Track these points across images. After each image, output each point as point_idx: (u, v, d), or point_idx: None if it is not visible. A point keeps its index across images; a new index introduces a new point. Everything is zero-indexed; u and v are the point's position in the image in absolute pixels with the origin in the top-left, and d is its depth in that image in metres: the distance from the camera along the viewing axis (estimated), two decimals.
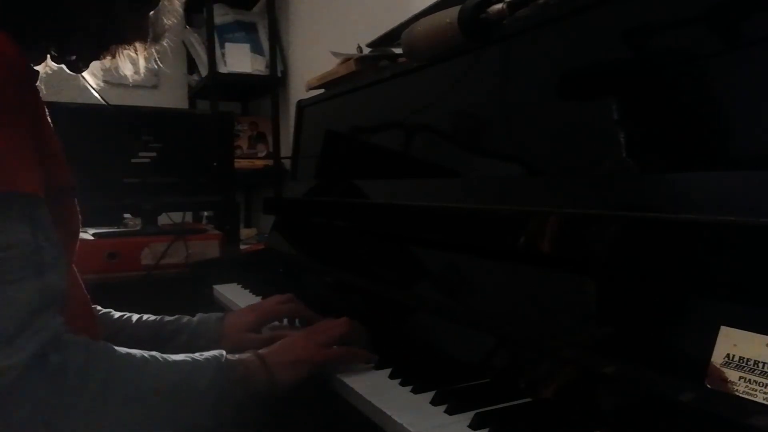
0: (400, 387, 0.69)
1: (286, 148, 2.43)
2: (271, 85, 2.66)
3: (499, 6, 0.73)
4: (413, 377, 0.69)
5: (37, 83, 0.71)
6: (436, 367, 0.74)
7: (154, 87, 3.05)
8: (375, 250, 1.10)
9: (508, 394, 0.64)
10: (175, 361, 0.67)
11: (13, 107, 0.59)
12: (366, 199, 1.18)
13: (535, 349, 0.68)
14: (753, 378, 0.46)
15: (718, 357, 0.49)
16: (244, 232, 2.46)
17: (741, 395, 0.47)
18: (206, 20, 2.57)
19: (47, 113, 0.69)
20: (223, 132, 1.96)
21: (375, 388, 0.69)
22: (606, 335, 0.61)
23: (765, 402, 0.45)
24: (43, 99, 0.69)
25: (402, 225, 1.00)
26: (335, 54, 1.51)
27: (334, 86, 1.54)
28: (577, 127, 0.76)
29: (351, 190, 1.24)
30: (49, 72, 0.77)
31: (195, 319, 0.94)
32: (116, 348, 0.64)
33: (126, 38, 0.78)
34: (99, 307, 0.92)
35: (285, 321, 0.99)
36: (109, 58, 0.79)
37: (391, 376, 0.72)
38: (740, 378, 0.47)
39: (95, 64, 0.81)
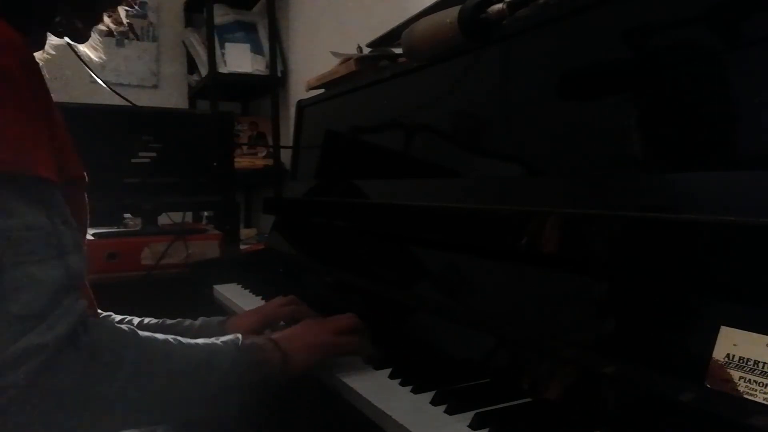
0: (400, 387, 0.69)
1: (286, 149, 2.43)
2: (271, 85, 2.67)
3: (499, 6, 0.73)
4: (413, 377, 0.69)
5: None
6: (436, 367, 0.74)
7: (154, 87, 3.05)
8: (375, 250, 1.10)
9: (508, 394, 0.64)
10: (196, 344, 0.68)
11: (26, 94, 0.59)
12: (366, 199, 1.18)
13: (535, 349, 0.68)
14: (753, 378, 0.46)
15: (718, 357, 0.49)
16: (244, 232, 2.46)
17: (741, 395, 0.47)
18: (206, 20, 2.57)
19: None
20: (223, 132, 1.96)
21: (375, 388, 0.69)
22: (606, 335, 0.61)
23: (765, 402, 0.45)
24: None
25: (402, 225, 1.00)
26: (335, 54, 1.51)
27: (334, 86, 1.54)
28: (577, 127, 0.76)
29: (351, 190, 1.24)
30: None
31: (197, 322, 0.94)
32: (139, 331, 0.65)
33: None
34: (99, 311, 0.91)
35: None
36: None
37: (391, 376, 0.72)
38: (740, 378, 0.47)
39: (95, 38, 0.81)
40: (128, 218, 2.00)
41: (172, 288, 1.60)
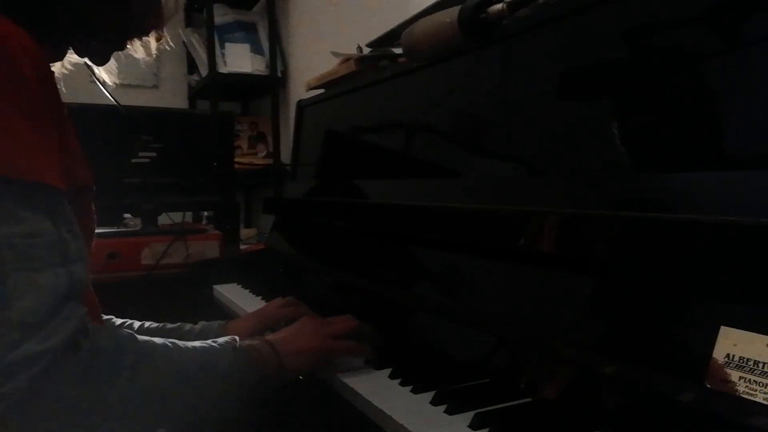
0: (400, 387, 0.69)
1: (286, 149, 2.43)
2: (271, 85, 2.67)
3: (499, 6, 0.73)
4: (413, 377, 0.69)
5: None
6: (436, 367, 0.74)
7: (154, 87, 3.05)
8: (375, 250, 1.10)
9: (508, 394, 0.64)
10: (194, 347, 0.69)
11: (39, 102, 0.60)
12: (366, 199, 1.18)
13: (535, 349, 0.68)
14: (753, 378, 0.46)
15: (718, 357, 0.49)
16: (244, 232, 2.46)
17: (741, 395, 0.47)
18: (206, 20, 2.57)
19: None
20: (223, 132, 1.96)
21: (375, 388, 0.69)
22: (606, 335, 0.61)
23: (765, 402, 0.45)
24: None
25: (402, 225, 1.00)
26: (335, 54, 1.51)
27: (334, 86, 1.54)
28: (577, 127, 0.76)
29: (351, 190, 1.24)
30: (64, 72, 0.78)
31: (197, 326, 0.94)
32: (138, 336, 0.65)
33: (146, 29, 0.79)
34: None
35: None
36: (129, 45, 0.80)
37: (391, 376, 0.72)
38: (740, 378, 0.47)
39: (112, 63, 0.82)
40: (128, 218, 2.00)
41: (172, 288, 1.60)
